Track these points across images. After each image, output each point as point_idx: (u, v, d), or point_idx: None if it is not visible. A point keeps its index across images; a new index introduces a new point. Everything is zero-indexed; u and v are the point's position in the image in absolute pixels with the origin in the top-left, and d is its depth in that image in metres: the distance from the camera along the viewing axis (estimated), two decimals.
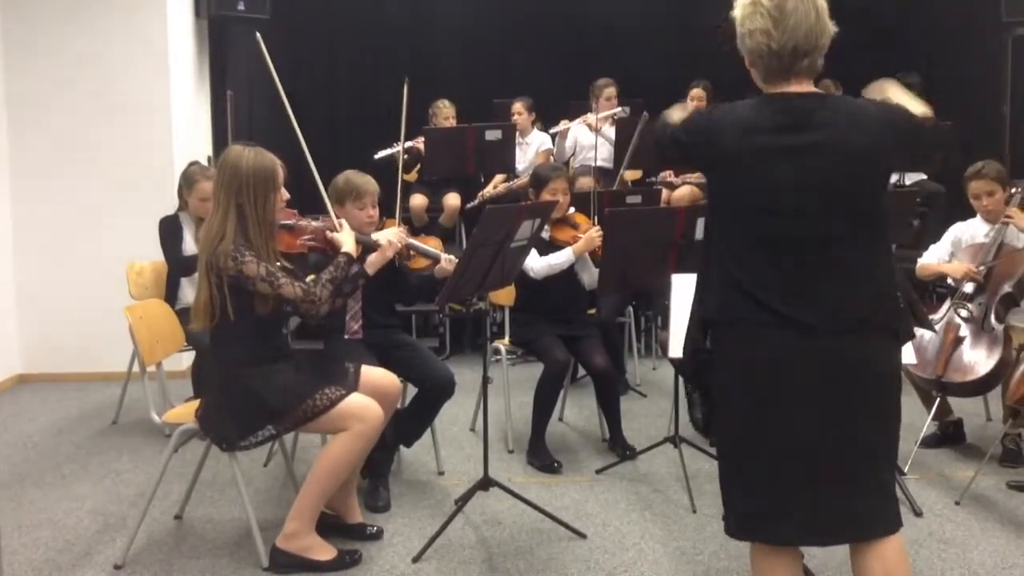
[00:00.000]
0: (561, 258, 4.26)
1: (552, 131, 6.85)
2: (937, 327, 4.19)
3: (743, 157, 2.15)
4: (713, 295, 2.26)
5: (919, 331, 3.92)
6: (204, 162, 5.77)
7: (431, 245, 3.90)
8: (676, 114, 2.39)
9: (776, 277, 2.16)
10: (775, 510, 2.20)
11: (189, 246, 4.67)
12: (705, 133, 2.21)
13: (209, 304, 3.03)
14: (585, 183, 5.68)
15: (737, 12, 2.21)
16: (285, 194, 3.15)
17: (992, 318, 4.15)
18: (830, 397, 2.15)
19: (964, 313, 4.20)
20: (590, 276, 4.40)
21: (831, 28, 2.17)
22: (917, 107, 2.24)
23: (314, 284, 3.08)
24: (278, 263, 3.13)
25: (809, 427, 2.16)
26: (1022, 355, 3.83)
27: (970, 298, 4.22)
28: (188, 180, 4.72)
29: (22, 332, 6.05)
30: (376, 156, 6.33)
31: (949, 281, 4.43)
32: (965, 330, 4.17)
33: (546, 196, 4.32)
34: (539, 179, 4.43)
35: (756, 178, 2.15)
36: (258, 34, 3.41)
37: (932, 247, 4.58)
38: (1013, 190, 4.37)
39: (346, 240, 3.30)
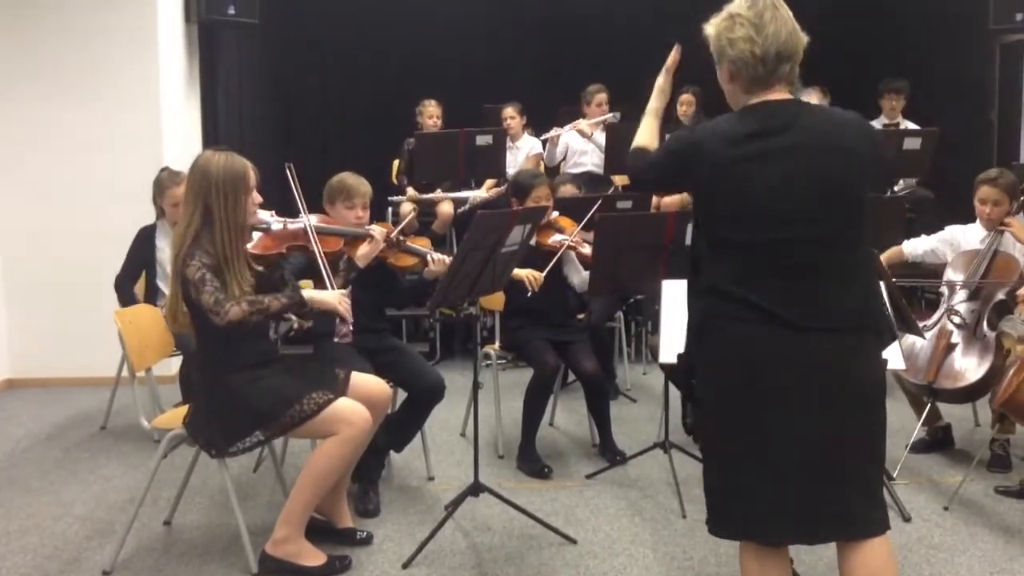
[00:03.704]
0: None
1: (543, 138, 6.86)
2: (930, 333, 4.20)
3: (730, 165, 2.18)
4: (702, 300, 2.29)
5: (910, 337, 3.96)
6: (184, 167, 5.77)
7: (420, 246, 3.90)
8: (644, 138, 2.51)
9: (767, 280, 2.18)
10: (765, 509, 2.21)
11: (164, 254, 4.67)
12: (689, 149, 2.25)
13: (176, 305, 3.06)
14: (566, 191, 5.69)
15: (712, 30, 2.29)
16: (257, 197, 3.15)
17: (984, 325, 4.16)
18: (820, 395, 2.17)
19: (957, 319, 4.21)
20: (580, 279, 4.40)
21: (804, 39, 2.26)
22: None
23: (234, 301, 2.96)
24: (258, 268, 3.15)
25: (799, 425, 2.18)
26: (1008, 360, 3.84)
27: (952, 311, 4.23)
28: (159, 186, 4.74)
29: (10, 336, 6.02)
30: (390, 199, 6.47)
31: (942, 290, 4.44)
32: (957, 336, 4.18)
33: (529, 204, 4.30)
34: (521, 188, 4.39)
35: (744, 184, 2.18)
36: (289, 165, 3.36)
37: (923, 236, 4.59)
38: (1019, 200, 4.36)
39: (318, 294, 3.20)
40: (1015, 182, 4.33)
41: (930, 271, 4.71)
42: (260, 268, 3.18)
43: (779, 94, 2.24)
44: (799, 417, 2.18)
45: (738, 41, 2.21)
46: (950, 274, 4.36)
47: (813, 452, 2.18)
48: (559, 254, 4.29)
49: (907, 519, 3.59)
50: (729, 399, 2.25)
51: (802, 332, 2.16)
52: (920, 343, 4.17)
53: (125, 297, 4.74)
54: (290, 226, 3.40)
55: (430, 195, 6.61)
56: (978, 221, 4.41)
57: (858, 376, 2.21)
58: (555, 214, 4.58)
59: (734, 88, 2.29)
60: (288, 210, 3.54)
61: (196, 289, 2.95)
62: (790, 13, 2.24)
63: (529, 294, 4.14)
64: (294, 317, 3.37)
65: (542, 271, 4.19)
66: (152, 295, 4.75)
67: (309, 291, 3.17)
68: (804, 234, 2.17)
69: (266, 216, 3.40)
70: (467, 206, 6.48)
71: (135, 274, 4.83)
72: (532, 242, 4.31)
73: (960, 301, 4.26)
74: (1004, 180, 4.29)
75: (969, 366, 4.07)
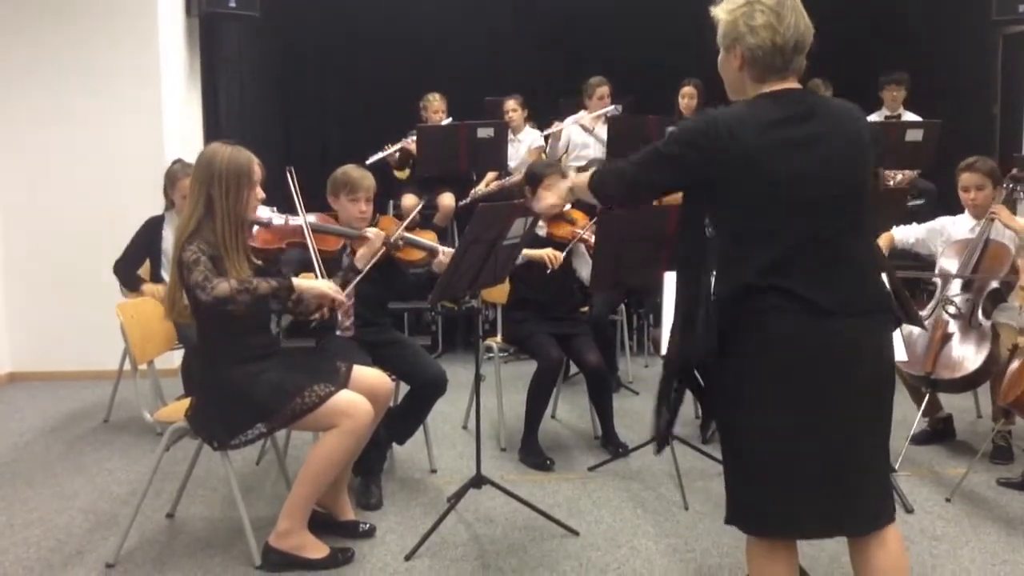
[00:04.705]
0: None
1: (545, 133, 6.85)
2: (925, 324, 4.21)
3: (761, 154, 2.14)
4: (729, 296, 2.23)
5: (906, 327, 3.96)
6: (193, 160, 5.77)
7: (427, 239, 3.90)
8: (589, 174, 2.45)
9: (798, 268, 2.17)
10: (796, 505, 2.20)
11: (170, 244, 4.68)
12: (715, 136, 2.15)
13: (175, 294, 3.08)
14: None
15: (727, 15, 2.23)
16: (260, 193, 3.16)
17: (979, 314, 4.17)
18: (853, 380, 2.18)
19: (952, 309, 4.22)
20: (588, 271, 4.40)
21: (812, 31, 2.26)
22: None
23: (223, 279, 2.96)
24: (257, 262, 3.17)
25: (832, 412, 2.17)
26: (1015, 354, 3.84)
27: (948, 301, 4.24)
28: (171, 178, 4.76)
29: (12, 330, 6.03)
30: (368, 161, 6.32)
31: (935, 280, 4.46)
32: (953, 326, 4.20)
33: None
34: (534, 176, 4.43)
35: (772, 173, 2.15)
36: (290, 169, 3.40)
37: (914, 224, 4.61)
38: (1004, 185, 4.39)
39: (307, 282, 3.20)
40: (994, 167, 4.36)
41: (931, 263, 4.72)
42: (259, 262, 3.18)
43: (792, 84, 2.24)
44: (833, 403, 2.17)
45: (760, 29, 2.17)
46: (943, 264, 4.39)
47: (842, 440, 2.18)
48: (570, 246, 4.33)
49: (909, 511, 3.60)
50: (767, 391, 2.19)
51: (837, 317, 2.15)
52: (917, 334, 4.17)
53: (127, 279, 4.77)
54: (291, 222, 3.42)
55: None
56: (966, 211, 4.43)
57: (883, 357, 2.24)
58: (567, 206, 4.59)
59: (743, 76, 2.25)
60: (289, 206, 3.55)
61: (188, 269, 2.96)
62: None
63: (549, 271, 4.22)
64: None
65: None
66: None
67: (298, 279, 3.18)
68: (829, 222, 2.17)
69: (267, 212, 3.41)
70: (469, 199, 6.48)
71: (136, 261, 4.83)
72: (543, 233, 4.35)
73: (955, 292, 4.27)
74: (983, 164, 4.33)
75: (967, 355, 4.09)
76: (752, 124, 2.15)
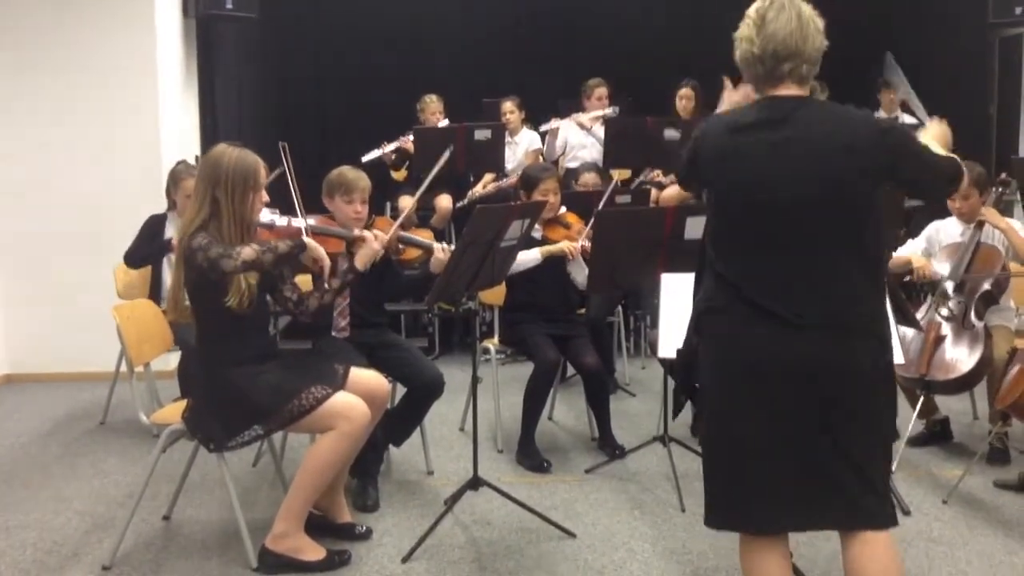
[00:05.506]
0: (527, 256, 4.25)
1: (542, 129, 6.85)
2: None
3: (726, 155, 2.22)
4: (702, 294, 2.31)
5: (903, 330, 3.97)
6: (192, 161, 5.76)
7: (424, 237, 3.91)
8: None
9: (761, 273, 2.20)
10: (760, 500, 2.23)
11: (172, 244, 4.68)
12: (695, 143, 2.31)
13: (178, 293, 3.08)
14: (589, 179, 5.69)
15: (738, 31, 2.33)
16: (265, 196, 3.16)
17: (972, 315, 4.18)
18: (811, 392, 2.18)
19: (945, 312, 4.23)
20: (584, 277, 4.40)
21: (819, 40, 2.23)
22: (939, 149, 2.36)
23: (244, 244, 3.00)
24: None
25: (793, 418, 2.19)
26: (1014, 358, 3.84)
27: (945, 298, 4.25)
28: (174, 178, 4.76)
29: (8, 332, 6.03)
30: (364, 159, 6.31)
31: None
32: (946, 328, 4.21)
33: (537, 196, 4.33)
34: (530, 180, 4.44)
35: (739, 175, 2.20)
36: (283, 145, 3.42)
37: (909, 241, 4.62)
38: (993, 189, 4.40)
39: (314, 243, 3.24)
40: (981, 173, 4.34)
41: None
42: None
43: (785, 91, 2.23)
44: (792, 410, 2.18)
45: (742, 40, 2.25)
46: (935, 267, 4.39)
47: (807, 445, 2.19)
48: (582, 237, 4.36)
49: (906, 512, 3.60)
50: (725, 392, 2.26)
51: (794, 327, 2.16)
52: (911, 336, 4.18)
53: (148, 258, 4.77)
54: (293, 224, 3.42)
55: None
56: (954, 216, 4.44)
57: (852, 374, 2.19)
58: (563, 209, 4.59)
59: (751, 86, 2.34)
60: (287, 204, 3.55)
61: (203, 251, 2.95)
62: (803, 11, 2.21)
63: (569, 260, 4.32)
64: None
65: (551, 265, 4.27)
66: (157, 288, 4.74)
67: (308, 239, 3.21)
68: (797, 229, 2.17)
69: (268, 214, 3.41)
70: (466, 201, 6.48)
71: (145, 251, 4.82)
72: (539, 236, 4.35)
73: (945, 293, 4.28)
74: (967, 172, 4.30)
75: (960, 356, 4.09)
76: (722, 128, 2.24)
